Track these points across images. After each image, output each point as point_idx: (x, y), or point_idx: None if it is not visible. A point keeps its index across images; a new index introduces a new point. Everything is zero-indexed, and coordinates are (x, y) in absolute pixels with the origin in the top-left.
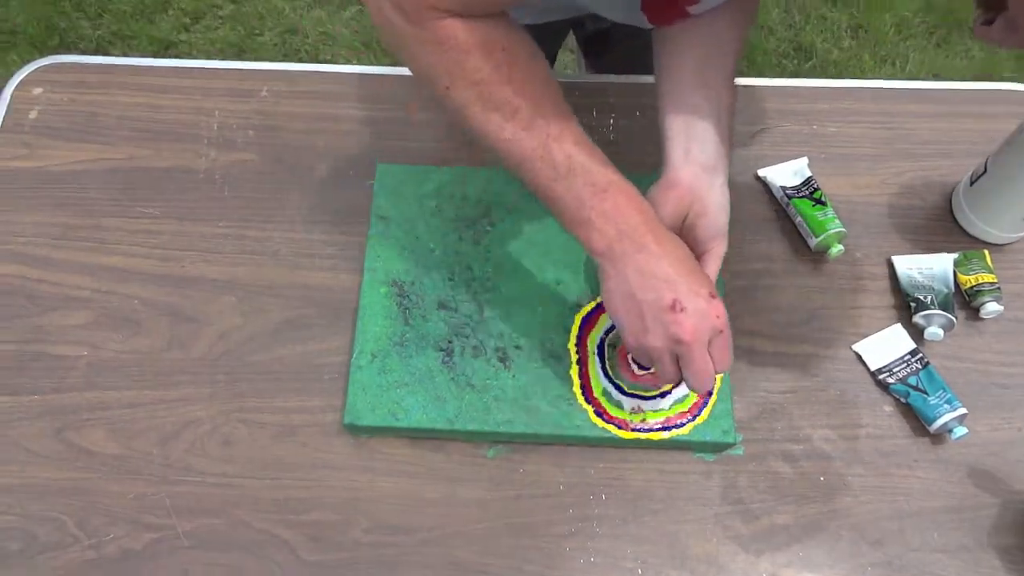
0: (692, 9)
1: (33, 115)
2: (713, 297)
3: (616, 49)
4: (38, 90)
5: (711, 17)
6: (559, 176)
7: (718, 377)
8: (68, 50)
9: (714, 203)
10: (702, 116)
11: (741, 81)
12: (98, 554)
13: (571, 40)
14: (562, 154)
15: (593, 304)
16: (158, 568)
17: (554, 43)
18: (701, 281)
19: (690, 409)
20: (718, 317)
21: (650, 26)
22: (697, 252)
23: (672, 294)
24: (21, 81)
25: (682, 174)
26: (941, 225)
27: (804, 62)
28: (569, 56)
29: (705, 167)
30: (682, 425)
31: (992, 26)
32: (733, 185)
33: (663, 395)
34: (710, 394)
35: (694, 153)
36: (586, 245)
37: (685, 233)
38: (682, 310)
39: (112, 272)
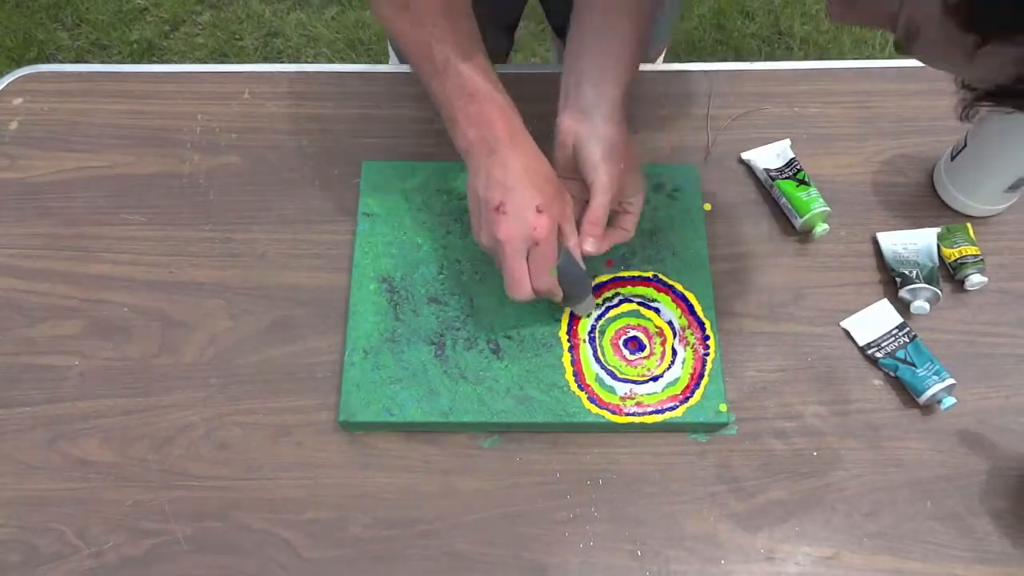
0: None
1: (14, 126)
2: (541, 212)
3: None
4: (18, 100)
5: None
6: (436, 73)
7: (709, 358)
8: (47, 61)
9: (588, 137)
10: (585, 71)
11: (722, 66)
12: (98, 563)
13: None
14: (442, 55)
15: None
16: (159, 574)
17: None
18: (539, 194)
19: (682, 392)
20: (535, 229)
21: None
22: (588, 184)
23: (501, 197)
24: (0, 92)
25: (562, 117)
26: (924, 200)
27: (784, 45)
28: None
29: (582, 108)
30: (675, 407)
31: (833, 2)
32: (717, 168)
33: (655, 379)
34: (703, 373)
35: (571, 99)
36: (454, 143)
37: (578, 169)
38: (504, 212)
39: (100, 280)
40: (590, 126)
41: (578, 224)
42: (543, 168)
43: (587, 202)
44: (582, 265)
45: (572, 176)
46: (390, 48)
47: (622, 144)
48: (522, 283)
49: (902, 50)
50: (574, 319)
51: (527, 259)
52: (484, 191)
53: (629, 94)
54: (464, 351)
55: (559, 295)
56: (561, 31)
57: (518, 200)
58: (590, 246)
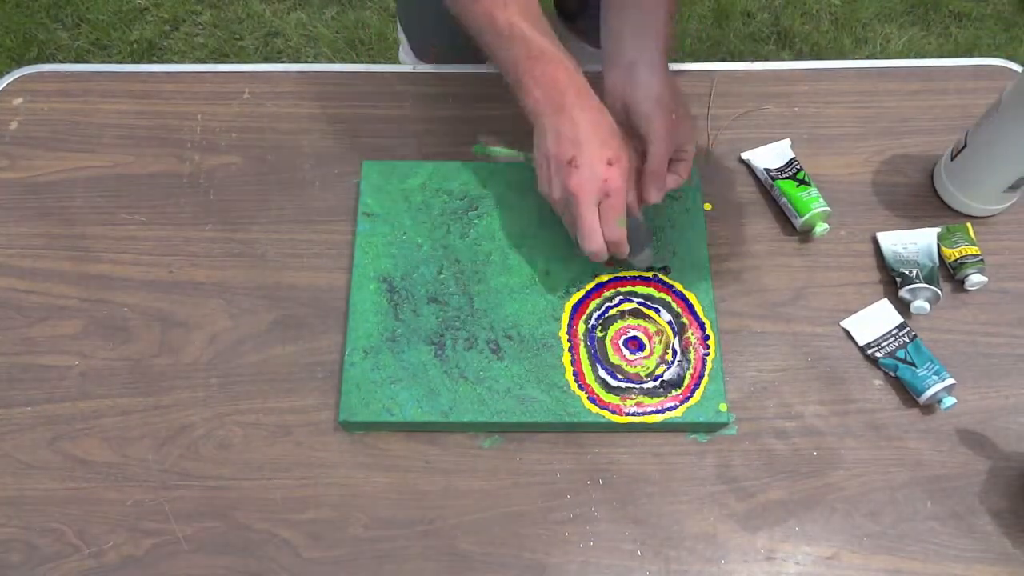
0: None
1: (14, 126)
2: (611, 164)
3: (591, 12)
4: (18, 100)
5: None
6: (502, 42)
7: (709, 358)
8: (47, 61)
9: (635, 91)
10: (624, 28)
11: (722, 66)
12: (99, 563)
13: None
14: (505, 22)
15: (582, 292)
16: (159, 574)
17: None
18: (608, 148)
19: (683, 391)
20: (606, 181)
21: None
22: (644, 136)
23: (573, 151)
24: (0, 92)
25: (607, 79)
26: (924, 200)
27: (784, 46)
28: None
29: (625, 65)
30: (675, 407)
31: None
32: (717, 168)
33: (655, 378)
34: (704, 373)
35: (613, 57)
36: (522, 106)
37: (630, 124)
38: (576, 166)
39: (100, 280)
40: (635, 81)
41: (637, 177)
42: (609, 123)
43: (644, 154)
44: (639, 216)
45: (625, 135)
46: (400, 47)
47: (669, 93)
48: (595, 233)
49: None
50: (574, 319)
51: (598, 211)
52: (554, 147)
53: (670, 44)
54: (464, 351)
55: (626, 248)
56: (570, 16)
57: (588, 154)
58: (654, 195)
